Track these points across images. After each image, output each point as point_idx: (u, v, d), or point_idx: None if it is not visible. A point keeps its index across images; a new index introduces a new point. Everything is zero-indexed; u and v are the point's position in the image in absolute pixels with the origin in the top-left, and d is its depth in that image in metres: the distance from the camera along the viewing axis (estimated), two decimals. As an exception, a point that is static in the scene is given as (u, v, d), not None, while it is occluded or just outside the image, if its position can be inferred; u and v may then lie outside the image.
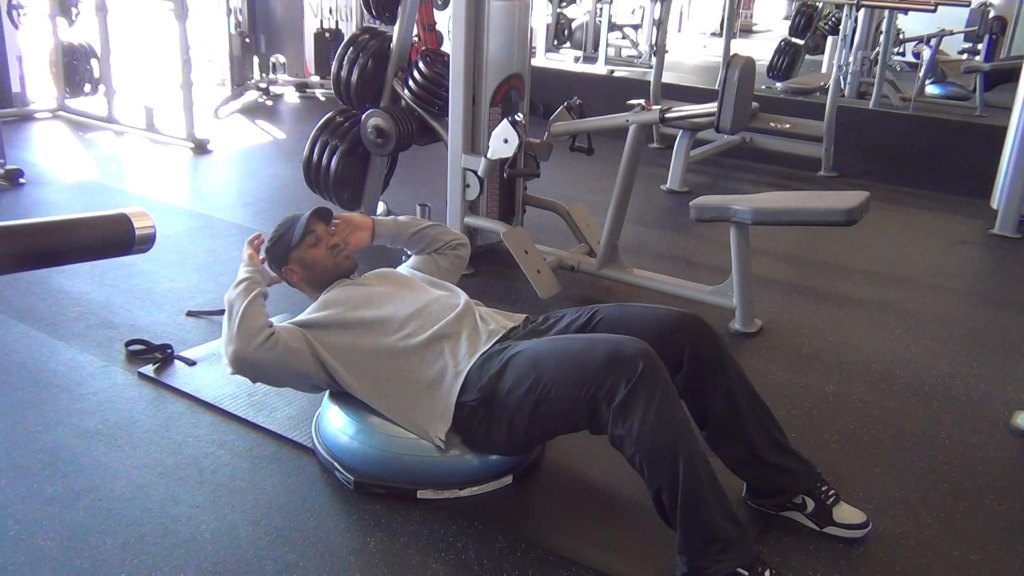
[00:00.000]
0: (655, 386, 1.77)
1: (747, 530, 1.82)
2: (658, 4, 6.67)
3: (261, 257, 2.32)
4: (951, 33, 7.45)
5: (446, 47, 3.79)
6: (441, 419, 2.03)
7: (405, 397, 2.08)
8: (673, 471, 1.73)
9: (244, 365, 2.07)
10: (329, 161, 3.82)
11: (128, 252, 1.04)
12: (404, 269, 2.51)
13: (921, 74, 7.31)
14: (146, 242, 1.04)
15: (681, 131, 5.12)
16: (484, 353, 2.06)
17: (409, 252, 2.57)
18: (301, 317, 2.21)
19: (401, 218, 2.57)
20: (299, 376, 2.14)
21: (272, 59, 7.57)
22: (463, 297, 2.28)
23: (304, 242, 2.30)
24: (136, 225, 1.03)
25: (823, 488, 2.03)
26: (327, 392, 2.27)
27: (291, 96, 7.51)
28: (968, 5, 7.07)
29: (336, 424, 2.20)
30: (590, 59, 8.80)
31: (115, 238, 1.03)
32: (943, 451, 2.46)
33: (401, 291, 2.27)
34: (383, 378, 2.10)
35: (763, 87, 7.21)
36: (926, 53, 7.31)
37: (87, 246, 1.03)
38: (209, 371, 2.67)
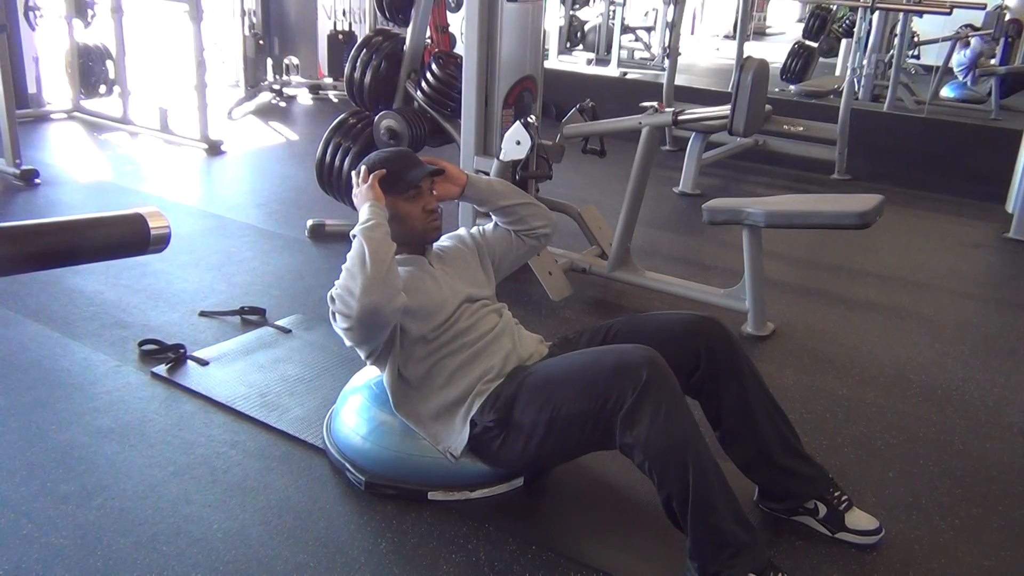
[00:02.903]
0: (661, 393, 1.76)
1: (758, 535, 1.82)
2: (671, 6, 6.66)
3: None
4: (975, 31, 7.39)
5: (459, 49, 3.80)
6: (457, 437, 2.03)
7: (426, 407, 2.07)
8: (683, 477, 1.72)
9: (374, 318, 1.87)
10: (342, 162, 3.82)
11: (143, 252, 1.04)
12: (470, 239, 2.30)
13: (958, 73, 7.26)
14: (161, 242, 1.04)
15: (694, 134, 5.11)
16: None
17: (492, 216, 2.33)
18: None
19: (496, 183, 2.36)
20: (383, 340, 2.00)
21: (285, 61, 7.59)
22: (505, 310, 2.21)
23: (408, 192, 2.10)
24: (151, 225, 1.03)
25: (835, 493, 2.02)
26: (340, 394, 2.27)
27: (304, 98, 7.53)
28: (984, 8, 7.02)
29: (348, 425, 2.20)
30: (603, 61, 8.79)
31: (130, 238, 1.03)
32: (957, 456, 2.44)
33: (454, 297, 2.09)
34: (408, 383, 2.08)
35: (776, 90, 7.18)
36: (963, 56, 7.25)
37: (102, 246, 1.03)
38: (221, 371, 2.68)
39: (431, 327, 2.04)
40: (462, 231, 2.34)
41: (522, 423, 1.94)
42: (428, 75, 3.75)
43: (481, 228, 2.34)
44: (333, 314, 1.93)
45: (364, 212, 2.00)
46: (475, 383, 2.03)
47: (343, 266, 1.92)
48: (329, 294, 1.94)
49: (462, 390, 2.03)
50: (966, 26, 7.29)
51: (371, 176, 2.06)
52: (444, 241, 2.28)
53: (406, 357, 2.06)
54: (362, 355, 2.09)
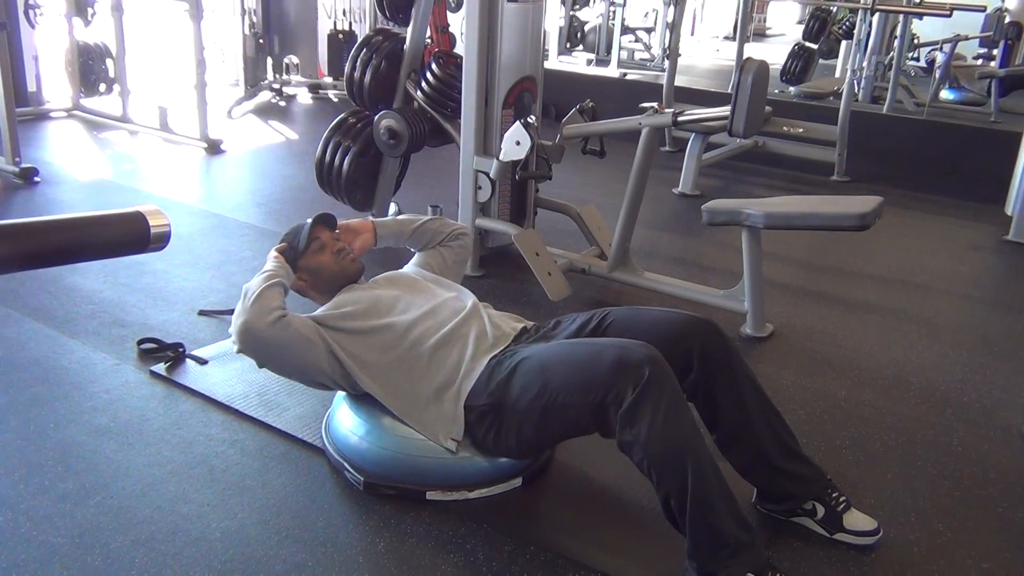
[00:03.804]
0: (662, 391, 1.76)
1: (757, 535, 1.82)
2: (671, 7, 6.66)
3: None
4: (966, 38, 7.40)
5: (459, 49, 3.80)
6: (451, 424, 2.03)
7: (415, 401, 2.08)
8: (682, 477, 1.72)
9: (251, 339, 2.06)
10: (341, 162, 3.83)
11: (143, 250, 1.04)
12: (411, 268, 2.50)
13: (936, 79, 7.28)
14: (161, 240, 1.04)
15: (693, 134, 5.11)
16: (493, 357, 2.06)
17: (414, 249, 2.57)
18: (315, 314, 2.21)
19: (401, 216, 2.59)
20: (306, 367, 2.12)
21: (285, 60, 7.60)
22: (470, 299, 2.28)
23: (309, 249, 2.31)
24: (151, 223, 1.03)
25: (834, 494, 2.02)
26: (337, 392, 2.27)
27: (304, 97, 7.53)
28: (983, 10, 7.03)
29: (346, 424, 2.20)
30: (603, 62, 8.79)
31: (130, 236, 1.03)
32: (955, 458, 2.44)
33: (409, 294, 2.26)
34: (392, 381, 2.10)
35: (776, 91, 7.19)
36: (940, 58, 7.28)
37: (102, 244, 1.03)
38: (220, 370, 2.68)
39: (380, 322, 2.14)
40: (398, 272, 2.49)
41: (517, 408, 1.95)
42: (428, 75, 3.75)
43: (412, 265, 2.53)
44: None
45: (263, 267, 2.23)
46: (457, 364, 2.07)
47: None
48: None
49: (446, 372, 2.07)
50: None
51: (274, 249, 2.32)
52: (389, 273, 2.44)
53: (378, 363, 2.11)
54: (340, 391, 2.24)
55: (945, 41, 7.25)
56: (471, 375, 2.04)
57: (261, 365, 2.17)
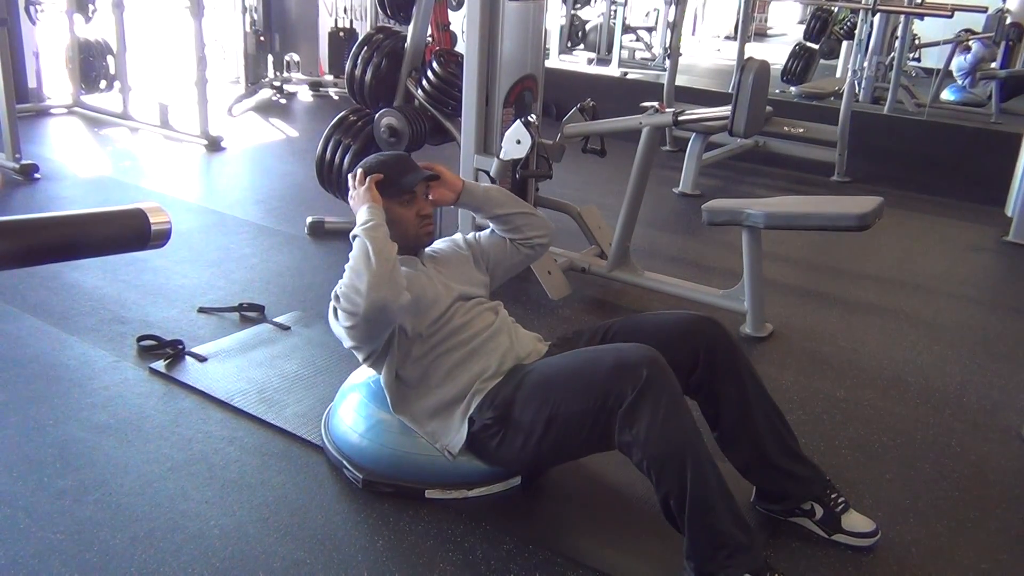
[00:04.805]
0: (661, 392, 1.76)
1: (755, 536, 1.82)
2: (672, 7, 6.66)
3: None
4: (975, 35, 7.39)
5: (460, 47, 3.79)
6: (455, 435, 2.03)
7: (423, 408, 2.07)
8: (681, 477, 1.72)
9: (380, 315, 1.87)
10: (342, 160, 3.82)
11: (143, 247, 1.04)
12: (464, 244, 2.30)
13: (959, 78, 7.27)
14: (161, 237, 1.04)
15: (694, 134, 5.11)
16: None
17: (489, 224, 2.33)
18: None
19: (493, 191, 2.35)
20: (383, 340, 2.00)
21: (286, 58, 7.59)
22: (502, 313, 2.20)
23: (402, 197, 2.11)
24: (152, 220, 1.03)
25: (832, 495, 2.02)
26: (338, 390, 2.27)
27: (305, 95, 7.53)
28: (985, 11, 7.02)
29: (345, 422, 2.20)
30: (604, 61, 8.78)
31: (131, 233, 1.02)
32: (954, 459, 2.44)
33: (448, 296, 2.10)
34: (406, 381, 2.08)
35: (777, 91, 7.18)
36: (963, 60, 7.26)
37: (103, 241, 1.02)
38: (220, 368, 2.67)
39: (426, 324, 2.04)
40: (458, 236, 2.35)
41: (521, 421, 1.94)
42: (429, 73, 3.75)
43: (476, 234, 2.35)
44: (335, 311, 1.93)
45: (363, 214, 2.01)
46: (473, 381, 2.03)
47: (346, 266, 1.92)
48: (334, 292, 1.94)
49: (460, 388, 2.04)
50: (965, 30, 7.29)
51: (368, 179, 2.08)
52: (438, 244, 2.28)
53: (403, 357, 2.06)
54: (360, 357, 2.09)
55: (947, 41, 7.24)
56: (482, 392, 2.02)
57: (356, 337, 1.97)
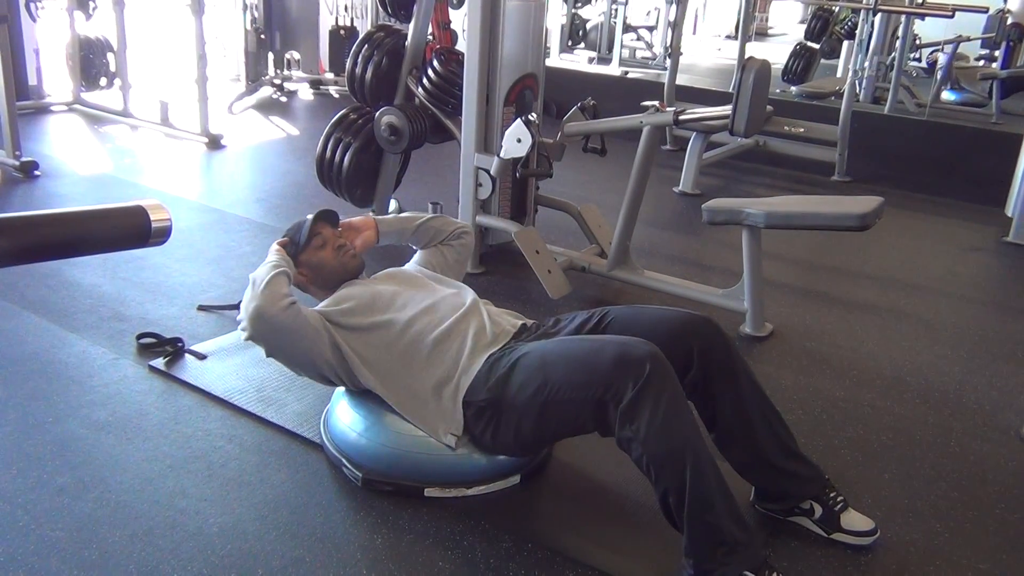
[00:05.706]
0: (662, 388, 1.77)
1: (755, 534, 1.82)
2: (673, 6, 6.66)
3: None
4: (968, 39, 7.40)
5: (460, 46, 3.79)
6: (450, 420, 2.04)
7: (415, 397, 2.08)
8: (680, 474, 1.72)
9: (263, 325, 2.04)
10: (342, 158, 3.82)
11: (144, 244, 1.04)
12: (412, 266, 2.51)
13: (937, 80, 7.28)
14: (162, 235, 1.04)
15: (694, 133, 5.11)
16: (492, 354, 2.06)
17: (415, 247, 2.56)
18: (317, 308, 2.20)
19: (403, 214, 2.58)
20: (314, 356, 2.10)
21: (287, 56, 7.60)
22: (470, 296, 2.28)
23: (311, 244, 2.30)
24: (152, 217, 1.03)
25: (831, 494, 2.02)
26: (337, 388, 2.27)
27: (305, 93, 7.53)
28: (986, 12, 7.01)
29: (345, 421, 2.20)
30: (604, 60, 8.78)
31: (131, 230, 1.02)
32: (953, 459, 2.44)
33: (408, 289, 2.26)
34: (392, 377, 2.10)
35: (778, 91, 7.18)
36: (941, 59, 7.28)
37: (103, 238, 1.02)
38: (219, 365, 2.67)
39: (380, 318, 2.15)
40: (398, 268, 2.50)
41: (516, 404, 1.95)
42: (429, 71, 3.75)
43: (412, 261, 2.54)
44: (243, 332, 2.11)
45: (268, 259, 2.23)
46: (455, 361, 2.06)
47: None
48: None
49: (444, 370, 2.07)
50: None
51: (276, 243, 2.32)
52: (391, 270, 2.45)
53: (377, 358, 2.11)
54: (319, 382, 2.25)
55: (947, 42, 7.25)
56: (469, 371, 2.04)
57: (269, 354, 2.14)
